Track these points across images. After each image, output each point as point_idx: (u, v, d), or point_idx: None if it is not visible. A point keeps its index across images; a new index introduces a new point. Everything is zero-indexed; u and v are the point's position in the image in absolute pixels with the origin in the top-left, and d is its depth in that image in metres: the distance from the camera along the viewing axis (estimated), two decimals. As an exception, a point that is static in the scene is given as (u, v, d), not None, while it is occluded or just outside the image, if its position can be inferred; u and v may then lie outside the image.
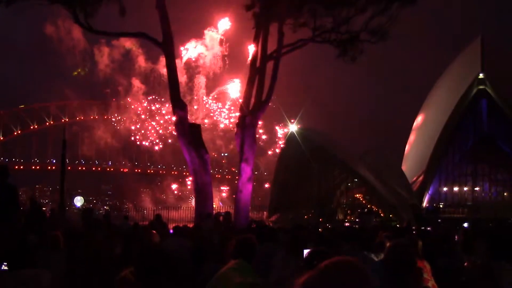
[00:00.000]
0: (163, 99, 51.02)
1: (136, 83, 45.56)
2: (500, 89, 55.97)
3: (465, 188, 60.60)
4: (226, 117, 48.82)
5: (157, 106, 58.74)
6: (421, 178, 59.95)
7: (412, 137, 68.43)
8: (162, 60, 40.89)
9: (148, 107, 60.21)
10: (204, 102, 42.13)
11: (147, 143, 63.29)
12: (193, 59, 38.30)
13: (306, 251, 4.61)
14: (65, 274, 6.84)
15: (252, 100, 25.64)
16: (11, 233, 8.64)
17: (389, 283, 4.15)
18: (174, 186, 71.04)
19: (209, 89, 42.83)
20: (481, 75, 57.49)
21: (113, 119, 70.16)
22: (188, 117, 25.82)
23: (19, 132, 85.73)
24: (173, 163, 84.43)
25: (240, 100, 39.31)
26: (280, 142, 58.59)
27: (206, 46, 38.06)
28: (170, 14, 24.41)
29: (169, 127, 55.36)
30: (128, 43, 37.53)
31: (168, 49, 24.59)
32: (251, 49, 27.02)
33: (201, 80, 40.43)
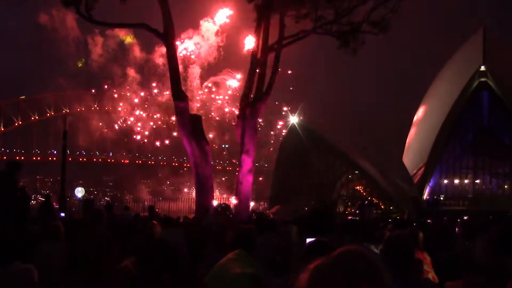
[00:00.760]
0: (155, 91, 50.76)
1: (131, 72, 45.49)
2: (501, 81, 55.75)
3: (466, 181, 60.55)
4: (220, 107, 48.62)
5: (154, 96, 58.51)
6: (421, 170, 59.89)
7: (413, 130, 68.31)
8: (158, 50, 40.96)
9: (148, 97, 60.15)
10: (200, 93, 41.96)
11: (146, 133, 63.45)
12: (189, 50, 38.23)
13: (307, 241, 4.61)
14: (66, 265, 6.86)
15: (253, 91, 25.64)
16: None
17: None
18: (173, 178, 71.27)
19: (204, 80, 42.71)
20: (482, 68, 57.29)
21: (111, 109, 70.14)
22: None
23: (20, 123, 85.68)
24: (174, 154, 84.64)
25: (230, 92, 38.97)
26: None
27: (202, 36, 38.04)
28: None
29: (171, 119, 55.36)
30: (122, 33, 37.36)
31: (169, 40, 24.55)
32: (248, 40, 27.00)
33: (195, 70, 40.34)
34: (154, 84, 51.17)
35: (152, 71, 44.07)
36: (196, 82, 41.23)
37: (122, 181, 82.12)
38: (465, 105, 57.80)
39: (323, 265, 1.98)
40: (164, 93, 44.93)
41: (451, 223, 12.55)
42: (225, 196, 44.84)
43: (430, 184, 58.98)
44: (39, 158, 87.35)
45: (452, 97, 58.11)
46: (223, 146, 70.49)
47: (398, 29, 27.05)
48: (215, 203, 25.96)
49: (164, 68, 41.06)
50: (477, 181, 60.19)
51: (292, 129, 54.36)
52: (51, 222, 8.26)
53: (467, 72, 58.06)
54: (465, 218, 28.88)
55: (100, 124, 68.61)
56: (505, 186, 59.35)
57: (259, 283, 3.95)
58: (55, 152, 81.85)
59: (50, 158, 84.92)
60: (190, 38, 37.51)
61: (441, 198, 57.35)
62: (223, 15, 36.94)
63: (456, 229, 10.41)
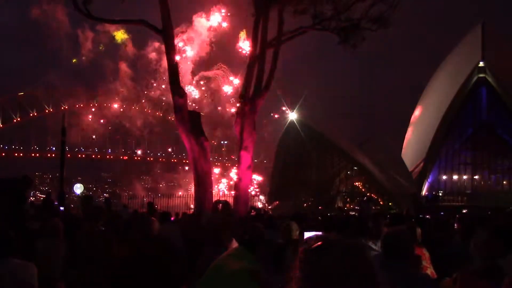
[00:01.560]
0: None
1: (123, 67, 45.33)
2: (500, 77, 55.84)
3: (465, 176, 60.66)
4: (212, 102, 48.30)
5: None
6: (420, 166, 60.02)
7: (412, 125, 68.42)
8: (150, 45, 40.89)
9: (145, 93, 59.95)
10: (188, 89, 41.79)
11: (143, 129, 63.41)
12: (181, 45, 38.13)
13: (306, 236, 4.61)
14: (65, 261, 6.87)
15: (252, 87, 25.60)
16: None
17: (387, 270, 4.16)
18: (171, 174, 71.34)
19: (195, 75, 42.57)
20: (481, 64, 57.38)
21: (105, 105, 70.10)
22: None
23: (19, 119, 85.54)
24: (172, 151, 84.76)
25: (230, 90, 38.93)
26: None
27: (195, 31, 38.01)
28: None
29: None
30: (112, 28, 37.14)
31: (168, 36, 24.49)
32: (243, 35, 26.96)
33: (187, 66, 40.20)
34: (153, 82, 51.09)
35: (144, 67, 43.93)
36: (187, 78, 41.10)
37: (120, 177, 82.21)
38: (464, 100, 57.92)
39: (313, 253, 1.99)
40: (161, 86, 44.66)
41: (449, 219, 12.55)
42: (224, 192, 44.75)
43: (429, 180, 59.12)
44: (37, 155, 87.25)
45: (451, 93, 58.21)
46: (222, 142, 70.43)
47: (398, 25, 26.99)
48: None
49: (157, 64, 40.96)
50: (476, 176, 60.31)
51: (290, 125, 54.35)
52: (50, 219, 8.26)
53: (466, 68, 58.17)
54: (463, 211, 28.89)
55: (90, 118, 68.49)
56: (504, 182, 59.48)
57: (258, 279, 3.95)
58: (54, 148, 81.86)
59: (48, 155, 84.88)
60: (183, 32, 37.43)
61: (440, 194, 57.46)
62: (218, 17, 37.07)
63: (455, 225, 10.41)
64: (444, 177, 60.38)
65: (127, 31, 38.62)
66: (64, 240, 7.55)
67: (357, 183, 56.30)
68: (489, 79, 57.07)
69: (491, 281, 4.24)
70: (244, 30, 35.26)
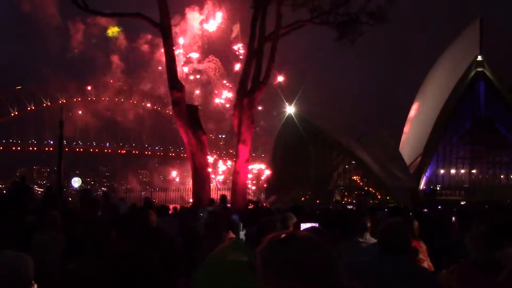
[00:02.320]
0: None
1: (115, 59, 45.22)
2: (498, 71, 55.87)
3: (462, 171, 60.80)
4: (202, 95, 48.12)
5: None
6: (418, 160, 60.11)
7: (410, 120, 68.47)
8: (143, 38, 40.85)
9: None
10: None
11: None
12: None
13: (302, 227, 4.63)
14: (63, 254, 6.87)
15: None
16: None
17: (383, 262, 4.17)
18: (167, 167, 71.38)
19: (188, 68, 42.49)
20: (479, 57, 57.39)
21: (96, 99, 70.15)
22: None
23: (16, 113, 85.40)
24: (170, 144, 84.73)
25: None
26: None
27: (187, 24, 38.03)
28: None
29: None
30: (102, 20, 36.99)
31: (166, 30, 24.44)
32: (236, 27, 26.93)
33: (179, 59, 40.23)
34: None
35: (136, 59, 43.90)
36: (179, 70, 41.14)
37: (119, 171, 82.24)
38: (462, 94, 57.99)
39: (267, 249, 2.01)
40: (153, 79, 44.62)
41: (447, 212, 12.58)
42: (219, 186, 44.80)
43: (426, 174, 59.23)
44: (35, 149, 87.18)
45: (449, 87, 58.26)
46: (220, 136, 70.39)
47: (397, 19, 27.00)
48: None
49: (150, 56, 40.93)
50: (473, 171, 60.44)
51: (288, 119, 54.33)
52: (48, 212, 8.26)
53: (464, 62, 58.19)
54: (462, 203, 28.88)
55: (80, 112, 68.53)
56: (501, 176, 59.61)
57: (255, 269, 3.96)
58: (52, 142, 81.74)
59: (46, 148, 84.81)
60: (176, 25, 37.44)
61: (438, 188, 57.57)
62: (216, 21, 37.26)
63: (453, 218, 10.43)
64: (442, 171, 60.50)
65: (118, 24, 38.46)
66: (62, 232, 7.55)
67: (355, 177, 56.36)
68: (487, 73, 57.10)
69: (488, 274, 4.26)
70: (238, 23, 35.35)
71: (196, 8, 37.42)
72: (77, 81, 77.40)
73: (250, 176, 44.61)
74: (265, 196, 52.82)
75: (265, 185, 55.52)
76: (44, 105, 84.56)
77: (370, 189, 52.52)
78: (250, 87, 25.22)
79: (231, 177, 30.00)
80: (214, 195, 29.32)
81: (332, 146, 54.32)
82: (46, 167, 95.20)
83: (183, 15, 37.79)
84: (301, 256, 1.97)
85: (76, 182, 32.45)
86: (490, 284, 4.22)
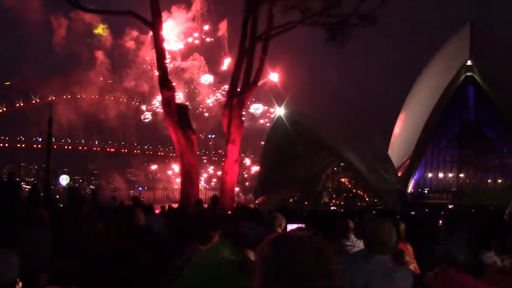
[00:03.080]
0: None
1: (100, 55, 45.03)
2: (487, 76, 56.11)
3: (450, 174, 61.04)
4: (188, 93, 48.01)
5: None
6: (407, 163, 60.28)
7: (399, 122, 68.64)
8: (128, 34, 40.77)
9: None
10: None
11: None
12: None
13: (289, 228, 4.65)
14: (50, 251, 6.85)
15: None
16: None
17: (368, 263, 4.20)
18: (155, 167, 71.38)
19: (172, 67, 42.39)
20: (469, 62, 57.63)
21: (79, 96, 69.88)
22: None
23: (4, 109, 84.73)
24: (159, 143, 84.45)
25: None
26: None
27: (173, 22, 38.02)
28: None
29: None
30: (87, 16, 36.69)
31: (157, 28, 24.42)
32: (223, 26, 26.93)
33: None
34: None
35: (122, 56, 43.83)
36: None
37: (105, 170, 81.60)
38: (451, 99, 58.19)
39: (268, 248, 2.03)
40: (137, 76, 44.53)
41: (434, 215, 12.66)
42: (211, 185, 44.80)
43: (415, 177, 59.41)
44: (23, 146, 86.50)
45: (438, 91, 58.45)
46: (209, 136, 70.31)
47: (387, 22, 27.12)
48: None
49: (135, 53, 40.91)
50: (461, 175, 60.70)
51: (278, 120, 54.29)
52: (35, 208, 8.24)
53: (454, 66, 58.43)
54: (449, 206, 29.01)
55: (67, 110, 68.24)
56: (489, 180, 59.91)
57: (247, 269, 3.97)
58: (40, 139, 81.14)
59: (34, 146, 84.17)
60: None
61: (426, 191, 57.75)
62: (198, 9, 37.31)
63: (440, 222, 10.50)
64: (430, 174, 60.72)
65: (103, 21, 38.38)
66: (49, 229, 7.52)
67: (343, 179, 56.38)
68: (477, 77, 57.35)
69: (472, 276, 4.30)
70: (226, 20, 35.48)
71: (183, 6, 37.44)
72: (63, 78, 77.02)
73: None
74: (254, 197, 52.78)
75: (247, 183, 55.48)
76: (33, 102, 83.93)
77: (358, 191, 52.58)
78: (240, 87, 25.26)
79: (215, 179, 30.06)
80: (202, 195, 29.28)
81: (321, 148, 54.30)
82: (34, 164, 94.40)
83: (170, 13, 37.76)
84: (296, 255, 1.99)
85: (64, 179, 32.38)
86: (474, 287, 4.26)
